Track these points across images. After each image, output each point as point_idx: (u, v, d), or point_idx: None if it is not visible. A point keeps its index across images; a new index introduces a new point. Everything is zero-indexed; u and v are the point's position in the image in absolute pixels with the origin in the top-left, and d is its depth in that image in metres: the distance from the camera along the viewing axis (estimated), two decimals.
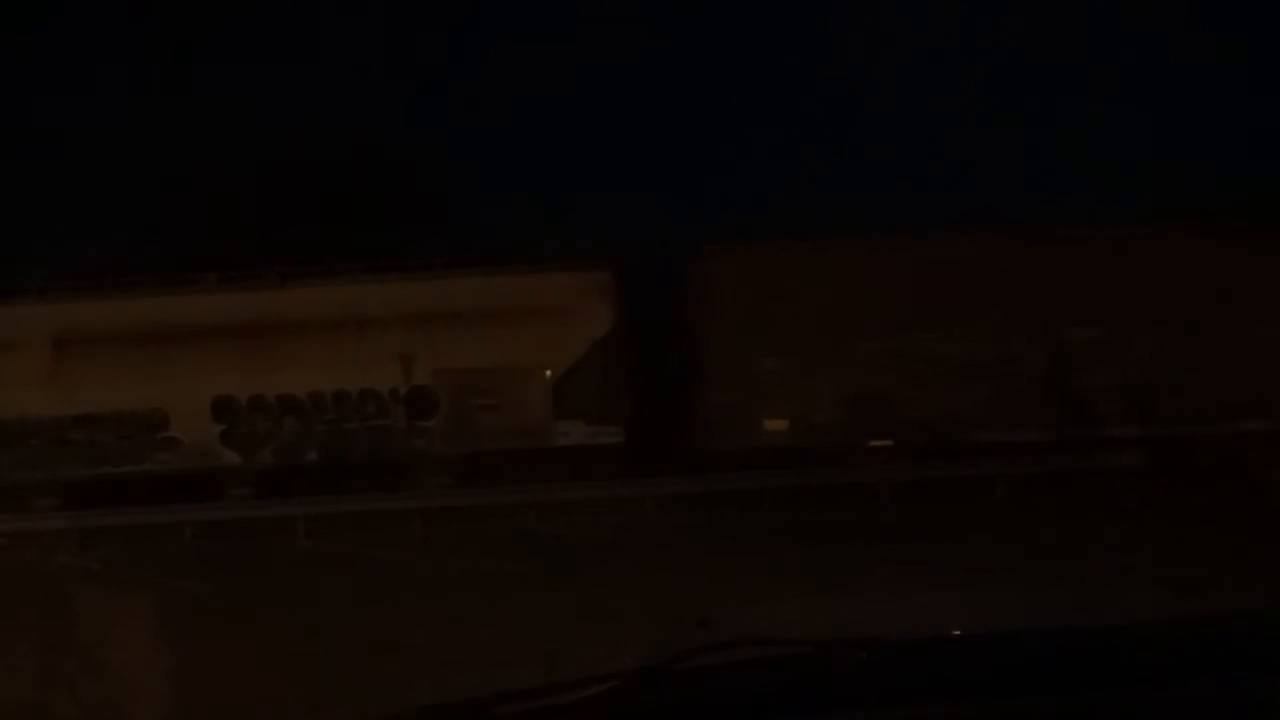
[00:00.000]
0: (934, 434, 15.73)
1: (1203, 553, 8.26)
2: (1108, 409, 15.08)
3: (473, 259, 16.41)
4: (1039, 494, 14.08)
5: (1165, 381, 15.51)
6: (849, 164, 20.20)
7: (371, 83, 24.25)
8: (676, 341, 16.32)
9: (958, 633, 1.79)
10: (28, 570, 13.40)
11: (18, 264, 16.46)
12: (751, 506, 14.85)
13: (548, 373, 15.97)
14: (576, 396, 16.03)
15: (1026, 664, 1.55)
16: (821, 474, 15.29)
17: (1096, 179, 19.12)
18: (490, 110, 25.98)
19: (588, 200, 19.45)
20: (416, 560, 13.02)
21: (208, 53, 21.71)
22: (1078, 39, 21.95)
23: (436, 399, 16.02)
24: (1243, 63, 20.28)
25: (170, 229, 18.45)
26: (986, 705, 1.48)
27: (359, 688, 6.32)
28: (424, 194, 19.24)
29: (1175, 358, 15.73)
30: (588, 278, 16.12)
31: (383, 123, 21.19)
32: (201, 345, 15.87)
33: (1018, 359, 15.93)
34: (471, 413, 15.95)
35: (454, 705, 1.57)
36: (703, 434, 15.90)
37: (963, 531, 12.12)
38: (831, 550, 11.17)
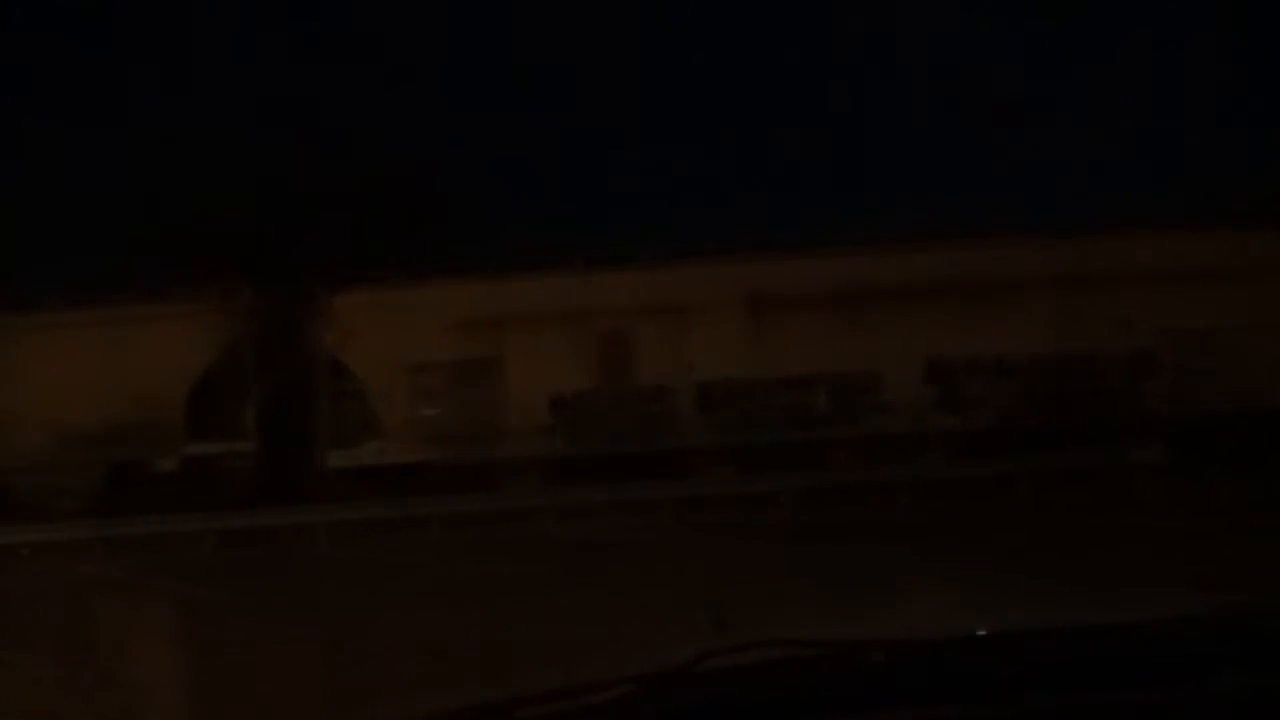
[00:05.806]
0: None
1: None
2: None
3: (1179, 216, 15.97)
4: None
5: None
6: None
7: None
8: None
9: (982, 632, 1.77)
10: (50, 580, 12.92)
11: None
12: None
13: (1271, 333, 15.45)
14: None
15: (1049, 663, 1.53)
16: None
17: None
18: None
19: None
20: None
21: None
22: None
23: (1161, 361, 15.52)
24: None
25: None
26: (1010, 705, 1.47)
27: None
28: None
29: None
30: None
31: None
32: (906, 306, 15.48)
33: None
34: (1196, 375, 15.44)
35: (473, 708, 1.60)
36: None
37: None
38: None
